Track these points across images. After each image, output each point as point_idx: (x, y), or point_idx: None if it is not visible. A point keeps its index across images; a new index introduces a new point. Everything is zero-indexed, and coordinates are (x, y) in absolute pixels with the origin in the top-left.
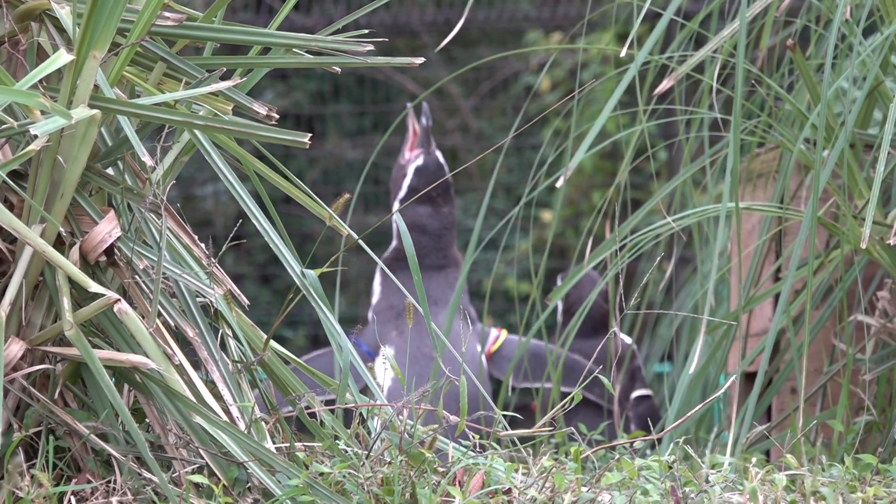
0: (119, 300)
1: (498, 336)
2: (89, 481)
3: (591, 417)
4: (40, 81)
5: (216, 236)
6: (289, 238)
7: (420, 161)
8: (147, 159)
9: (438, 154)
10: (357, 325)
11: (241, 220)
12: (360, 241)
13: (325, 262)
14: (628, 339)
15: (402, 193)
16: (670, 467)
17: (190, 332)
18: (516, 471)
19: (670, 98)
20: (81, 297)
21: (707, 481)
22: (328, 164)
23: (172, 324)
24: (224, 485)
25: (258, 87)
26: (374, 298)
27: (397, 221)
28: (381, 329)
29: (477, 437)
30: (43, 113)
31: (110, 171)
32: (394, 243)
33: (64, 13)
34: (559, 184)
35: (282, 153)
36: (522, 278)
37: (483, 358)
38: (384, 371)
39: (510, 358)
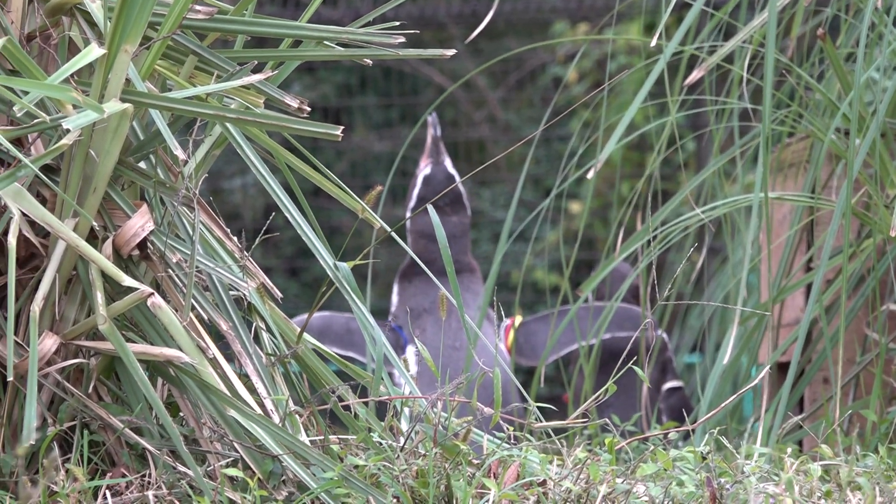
0: (152, 294)
1: (511, 324)
2: (124, 475)
3: (623, 405)
4: (72, 76)
5: (244, 229)
6: (320, 230)
7: (428, 171)
8: (179, 153)
9: (448, 164)
10: (392, 314)
11: (272, 214)
12: (393, 234)
13: (352, 254)
14: (659, 332)
15: (412, 203)
16: (704, 458)
17: (223, 326)
18: (551, 462)
19: (700, 89)
20: (115, 291)
21: (742, 472)
22: (355, 156)
23: (206, 317)
24: (259, 478)
25: (286, 80)
26: (392, 307)
27: (408, 231)
28: (409, 328)
29: (511, 428)
30: (75, 107)
31: (142, 164)
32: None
33: (95, 7)
34: (590, 175)
35: (309, 146)
36: (550, 270)
37: (505, 351)
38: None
39: (531, 333)
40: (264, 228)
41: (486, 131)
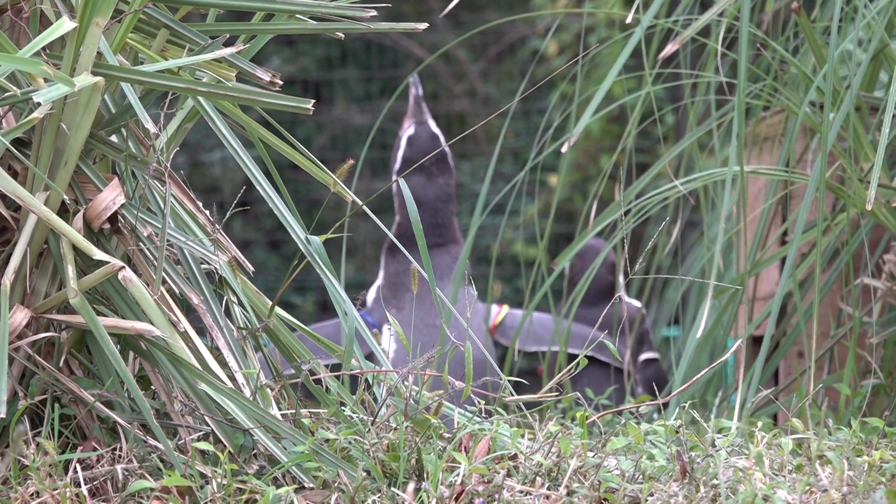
0: (123, 267)
1: (500, 311)
2: (95, 449)
3: (599, 379)
4: (43, 49)
5: (224, 202)
6: (294, 204)
7: (412, 131)
8: (150, 126)
9: (431, 123)
10: (362, 291)
11: (245, 187)
12: (365, 208)
13: (335, 228)
14: (637, 303)
15: (396, 165)
16: (677, 432)
17: (195, 299)
18: (522, 436)
19: (675, 62)
20: (86, 264)
21: (713, 445)
22: (336, 129)
23: (177, 291)
24: (230, 451)
25: (265, 53)
26: (378, 280)
27: (395, 195)
28: (384, 306)
29: (483, 402)
30: (46, 80)
31: (114, 138)
32: (396, 219)
33: None
34: (564, 148)
35: (289, 119)
36: (531, 243)
37: (487, 331)
38: (388, 341)
39: (514, 327)
40: (236, 202)
41: (465, 104)
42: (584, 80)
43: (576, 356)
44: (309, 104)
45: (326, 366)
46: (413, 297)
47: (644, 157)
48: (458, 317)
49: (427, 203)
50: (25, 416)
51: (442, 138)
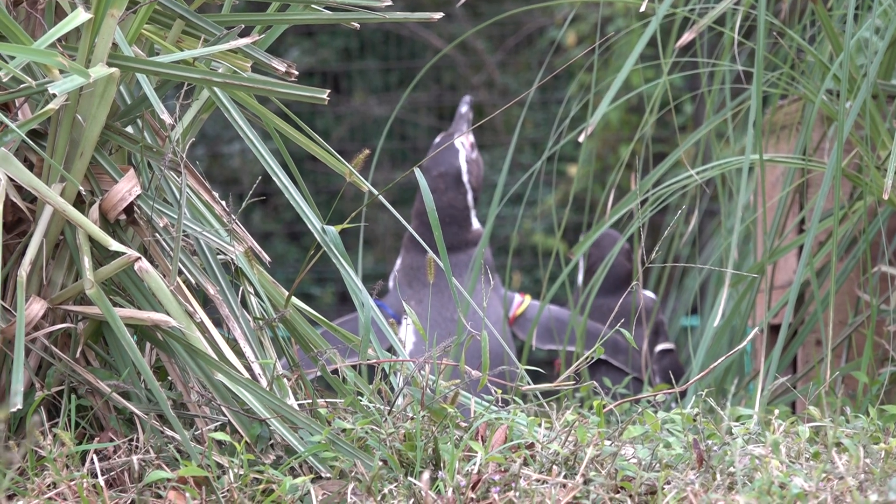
0: (139, 258)
1: (522, 301)
2: (112, 440)
3: (614, 376)
4: (58, 40)
5: (243, 194)
6: (313, 196)
7: (473, 154)
8: (166, 117)
9: (459, 136)
10: (378, 281)
11: (259, 178)
12: (382, 198)
13: (355, 218)
14: (651, 294)
15: (442, 170)
16: (694, 420)
17: (211, 290)
18: (539, 425)
19: (692, 51)
20: (102, 255)
21: (730, 434)
22: (355, 120)
23: (193, 282)
24: (246, 442)
25: (285, 44)
26: (395, 268)
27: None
28: (402, 299)
29: (500, 392)
30: (61, 72)
31: (130, 129)
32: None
33: None
34: (581, 138)
35: (308, 110)
36: (551, 233)
37: (506, 321)
38: (406, 334)
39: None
40: (251, 192)
41: (484, 95)
42: (602, 69)
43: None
44: (324, 94)
45: (346, 357)
46: (433, 292)
47: (663, 146)
48: (475, 307)
49: (441, 209)
50: (42, 408)
51: (464, 151)
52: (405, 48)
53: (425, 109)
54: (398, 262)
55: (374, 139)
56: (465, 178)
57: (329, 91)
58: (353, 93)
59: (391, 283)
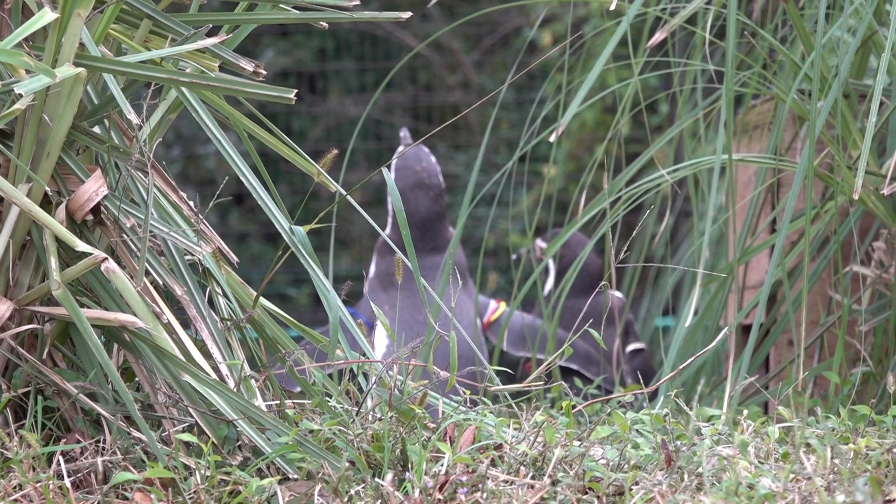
0: (106, 259)
1: (497, 307)
2: (78, 441)
3: (585, 381)
4: (25, 40)
5: (220, 195)
6: (286, 197)
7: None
8: (133, 117)
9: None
10: (347, 282)
11: (226, 178)
12: (350, 199)
13: (332, 220)
14: (619, 294)
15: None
16: (663, 420)
17: (178, 291)
18: (508, 426)
19: (664, 50)
20: (69, 256)
21: (698, 434)
22: (331, 121)
23: (161, 282)
24: (213, 443)
25: (260, 45)
26: (370, 275)
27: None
28: (375, 302)
29: (468, 392)
30: (28, 72)
31: (97, 129)
32: (388, 220)
33: None
34: (552, 138)
35: (284, 111)
36: (526, 234)
37: (479, 326)
38: (379, 338)
39: (509, 328)
40: (217, 193)
41: (459, 96)
42: (580, 70)
43: (562, 362)
44: (291, 94)
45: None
46: (404, 296)
47: (638, 146)
48: (444, 308)
49: (419, 216)
50: (8, 409)
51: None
52: (381, 48)
53: (401, 110)
54: (372, 268)
55: (350, 139)
56: (440, 178)
57: (296, 91)
58: (328, 93)
59: (366, 290)
